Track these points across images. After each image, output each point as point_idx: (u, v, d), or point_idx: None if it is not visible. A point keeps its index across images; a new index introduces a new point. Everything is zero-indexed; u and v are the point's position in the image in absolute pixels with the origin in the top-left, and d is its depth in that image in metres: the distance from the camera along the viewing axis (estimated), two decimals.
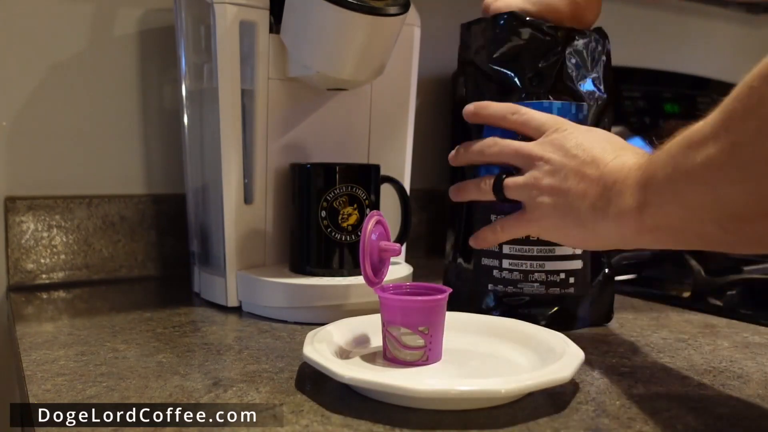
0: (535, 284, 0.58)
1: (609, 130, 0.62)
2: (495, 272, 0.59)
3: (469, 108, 0.57)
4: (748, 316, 0.63)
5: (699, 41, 1.29)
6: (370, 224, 0.48)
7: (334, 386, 0.42)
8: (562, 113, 0.57)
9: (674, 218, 0.40)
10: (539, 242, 0.57)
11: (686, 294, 0.73)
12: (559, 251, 0.57)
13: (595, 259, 0.59)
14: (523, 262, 0.58)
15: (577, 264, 0.58)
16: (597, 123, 0.60)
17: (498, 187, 0.54)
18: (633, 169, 0.44)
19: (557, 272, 0.58)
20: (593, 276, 0.59)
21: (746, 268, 0.80)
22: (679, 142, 0.39)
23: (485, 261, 0.60)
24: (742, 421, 0.39)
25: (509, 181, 0.53)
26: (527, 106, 0.58)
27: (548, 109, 0.57)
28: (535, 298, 0.58)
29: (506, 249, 0.58)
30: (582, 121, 0.58)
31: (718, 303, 0.70)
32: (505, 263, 0.58)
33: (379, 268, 0.49)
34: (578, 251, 0.58)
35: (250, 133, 0.65)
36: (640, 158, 0.45)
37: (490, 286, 0.59)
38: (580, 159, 0.48)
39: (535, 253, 0.58)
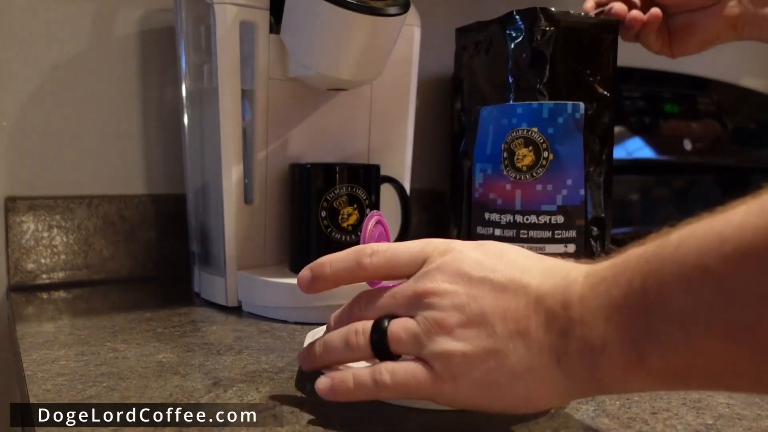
0: None
1: (612, 129, 0.62)
2: None
3: (303, 275, 0.41)
4: None
5: None
6: (369, 224, 0.48)
7: None
8: (555, 114, 0.57)
9: (708, 356, 0.26)
10: (530, 241, 0.58)
11: None
12: (549, 250, 0.58)
13: (589, 258, 0.60)
14: None
15: None
16: (601, 122, 0.60)
17: (379, 340, 0.36)
18: (593, 279, 0.30)
19: None
20: None
21: None
22: (704, 234, 0.26)
23: None
24: (742, 421, 0.39)
25: (396, 326, 0.35)
26: (517, 107, 0.58)
27: (538, 111, 0.57)
28: None
29: None
30: (578, 122, 0.58)
31: None
32: None
33: None
34: (569, 249, 0.58)
35: (250, 133, 0.65)
36: (588, 265, 0.32)
37: None
38: (492, 281, 0.33)
39: None
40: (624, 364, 0.29)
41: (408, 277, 0.37)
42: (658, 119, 1.06)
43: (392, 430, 0.37)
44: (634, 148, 1.02)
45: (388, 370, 0.35)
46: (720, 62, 1.28)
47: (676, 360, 0.27)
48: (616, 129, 1.02)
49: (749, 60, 1.33)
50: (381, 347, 0.36)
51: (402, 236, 0.68)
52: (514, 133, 0.59)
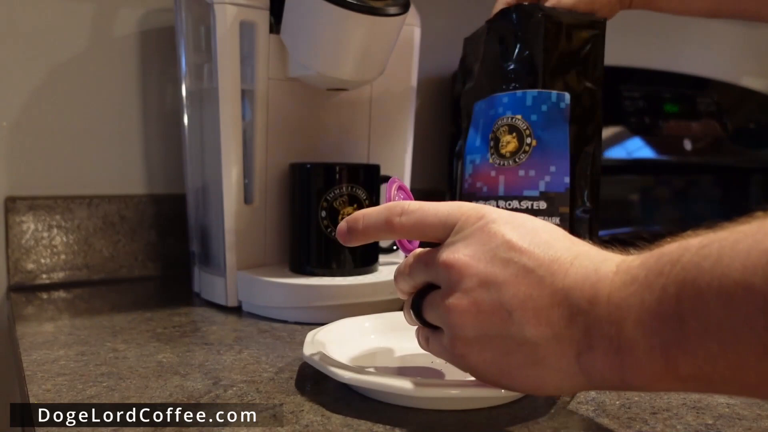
0: None
1: (600, 126, 0.62)
2: None
3: (341, 227, 0.40)
4: None
5: (699, 41, 1.29)
6: (392, 190, 0.43)
7: (334, 386, 0.42)
8: (539, 102, 0.58)
9: (744, 369, 0.26)
10: None
11: None
12: None
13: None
14: None
15: None
16: (590, 117, 0.60)
17: (416, 307, 0.38)
18: (623, 277, 0.29)
19: None
20: None
21: None
22: (749, 249, 0.25)
23: None
24: (742, 421, 0.39)
25: (426, 304, 0.37)
26: (503, 97, 0.58)
27: (522, 99, 0.58)
28: None
29: None
30: (564, 111, 0.58)
31: None
32: None
33: None
34: None
35: (250, 133, 0.65)
36: (618, 257, 0.31)
37: None
38: (518, 264, 0.32)
39: None
40: (652, 369, 0.28)
41: (438, 240, 0.37)
42: (658, 119, 1.06)
43: (392, 430, 0.37)
44: (634, 148, 1.02)
45: (424, 337, 0.39)
46: (720, 62, 1.28)
47: (710, 370, 0.27)
48: (616, 129, 1.03)
49: (749, 60, 1.33)
50: (420, 319, 0.38)
51: None
52: (500, 122, 0.60)
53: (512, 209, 0.58)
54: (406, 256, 0.40)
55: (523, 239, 0.33)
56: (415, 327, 0.40)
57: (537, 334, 0.31)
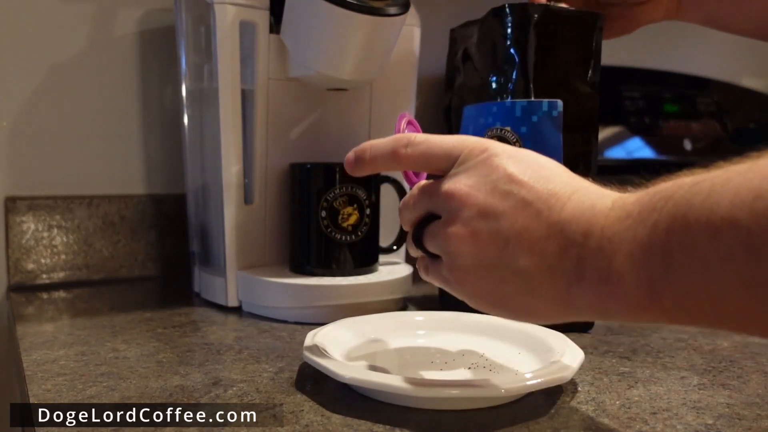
0: None
1: (596, 128, 0.60)
2: None
3: (349, 157, 0.42)
4: None
5: (699, 41, 1.29)
6: (402, 124, 0.43)
7: (334, 386, 0.42)
8: (528, 112, 0.56)
9: (724, 302, 0.26)
10: None
11: None
12: None
13: None
14: None
15: None
16: (586, 124, 0.59)
17: (418, 236, 0.39)
18: (618, 212, 0.30)
19: None
20: None
21: None
22: (738, 186, 0.25)
23: None
24: (742, 421, 0.39)
25: (426, 235, 0.38)
26: (492, 106, 0.57)
27: (511, 109, 0.56)
28: None
29: None
30: (556, 120, 0.56)
31: None
32: None
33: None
34: None
35: (250, 133, 0.65)
36: (615, 193, 0.32)
37: None
38: (516, 196, 0.33)
39: None
40: (637, 300, 0.29)
41: (442, 172, 0.37)
42: (658, 119, 1.06)
43: (392, 430, 0.37)
44: (634, 148, 1.02)
45: (423, 266, 0.40)
46: (720, 62, 1.28)
47: (691, 302, 0.27)
48: (616, 129, 1.03)
49: (749, 60, 1.33)
50: (421, 248, 0.39)
51: (400, 237, 0.68)
52: (490, 133, 0.57)
53: None
54: (410, 189, 0.41)
55: (523, 173, 0.34)
56: (417, 257, 0.41)
57: (531, 264, 0.32)
